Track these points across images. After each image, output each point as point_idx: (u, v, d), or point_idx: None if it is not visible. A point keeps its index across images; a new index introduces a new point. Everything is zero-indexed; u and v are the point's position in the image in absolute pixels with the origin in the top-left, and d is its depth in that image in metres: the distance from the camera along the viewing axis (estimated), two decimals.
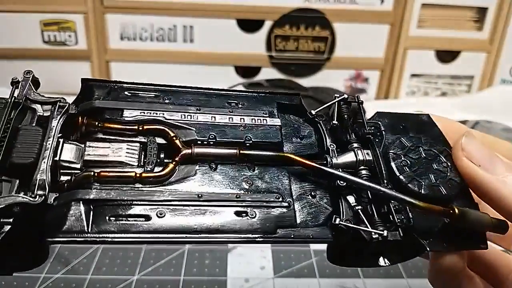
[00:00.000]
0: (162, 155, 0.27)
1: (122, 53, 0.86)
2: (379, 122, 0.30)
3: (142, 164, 0.26)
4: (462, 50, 0.93)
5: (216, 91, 0.30)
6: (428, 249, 0.25)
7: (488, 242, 0.29)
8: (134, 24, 0.84)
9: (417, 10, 0.88)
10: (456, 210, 0.25)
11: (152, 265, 0.49)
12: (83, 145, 0.26)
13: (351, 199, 0.26)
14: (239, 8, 0.85)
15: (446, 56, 0.93)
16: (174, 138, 0.27)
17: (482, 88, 0.97)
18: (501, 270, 0.32)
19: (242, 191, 0.26)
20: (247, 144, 0.27)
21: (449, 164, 0.28)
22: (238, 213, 0.25)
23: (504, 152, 0.30)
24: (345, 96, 0.30)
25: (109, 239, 0.23)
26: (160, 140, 0.27)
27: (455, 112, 0.87)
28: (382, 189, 0.25)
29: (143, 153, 0.26)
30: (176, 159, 0.26)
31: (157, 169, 0.26)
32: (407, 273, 0.49)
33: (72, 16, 0.82)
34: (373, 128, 0.30)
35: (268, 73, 0.91)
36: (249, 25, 0.87)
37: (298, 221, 0.25)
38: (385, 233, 0.24)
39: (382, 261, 0.27)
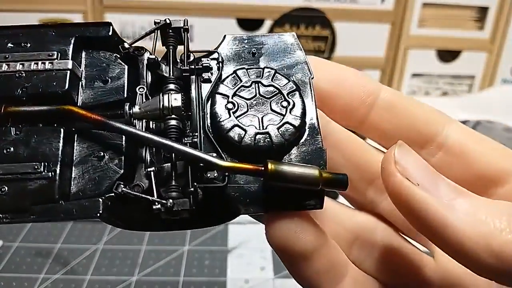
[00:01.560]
0: None
1: None
2: (218, 52, 0.24)
3: None
4: (463, 49, 0.92)
5: (2, 30, 0.23)
6: (242, 212, 0.21)
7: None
8: (133, 23, 0.84)
9: (417, 10, 0.88)
10: (270, 167, 0.20)
11: (152, 266, 0.49)
12: None
13: (149, 158, 0.22)
14: (239, 7, 0.84)
15: (447, 55, 0.93)
16: None
17: (483, 88, 0.96)
18: (410, 276, 0.27)
19: None
20: (23, 99, 0.22)
21: (290, 103, 0.23)
22: None
23: (423, 120, 0.25)
24: (167, 21, 0.24)
25: None
26: None
27: (456, 112, 0.86)
28: (171, 144, 0.20)
29: None
30: None
31: None
32: None
33: (71, 16, 0.82)
34: (208, 60, 0.24)
35: None
36: (249, 24, 0.86)
37: (75, 190, 0.21)
38: (169, 203, 0.20)
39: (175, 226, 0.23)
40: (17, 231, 0.53)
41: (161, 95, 0.22)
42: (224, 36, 0.25)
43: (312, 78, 0.24)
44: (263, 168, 0.20)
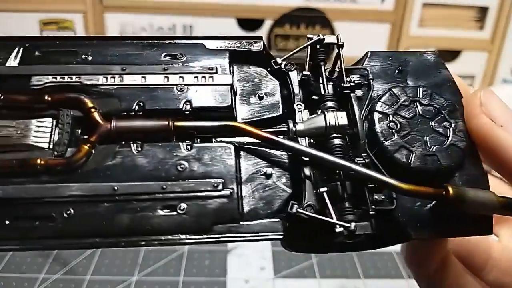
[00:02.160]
0: (79, 132, 0.21)
1: None
2: (366, 69, 0.24)
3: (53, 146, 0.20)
4: (463, 49, 0.92)
5: (150, 41, 0.23)
6: (413, 237, 0.21)
7: None
8: (133, 24, 0.84)
9: (418, 9, 0.88)
10: (451, 191, 0.19)
11: (152, 266, 0.49)
12: None
13: (317, 177, 0.21)
14: (239, 7, 0.84)
15: (447, 55, 0.93)
16: (92, 109, 0.21)
17: (483, 88, 0.96)
18: (479, 255, 0.28)
19: (172, 179, 0.20)
20: (186, 113, 0.21)
21: (453, 123, 0.22)
22: (164, 209, 0.20)
23: None
24: (321, 37, 0.23)
25: (5, 247, 0.19)
26: (78, 113, 0.21)
27: None
28: (351, 165, 0.20)
29: (58, 131, 0.21)
30: (92, 138, 0.20)
31: (71, 151, 0.20)
32: (408, 273, 0.49)
33: (71, 16, 0.82)
34: (358, 77, 0.23)
35: None
36: (249, 24, 0.86)
37: (247, 209, 0.20)
38: (352, 226, 0.19)
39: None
40: None
41: (325, 112, 0.22)
42: (367, 52, 0.25)
43: (462, 98, 0.24)
44: (444, 192, 0.20)
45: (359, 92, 0.23)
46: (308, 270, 0.50)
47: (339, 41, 0.24)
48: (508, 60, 0.94)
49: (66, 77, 0.21)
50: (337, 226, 0.19)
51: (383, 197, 0.20)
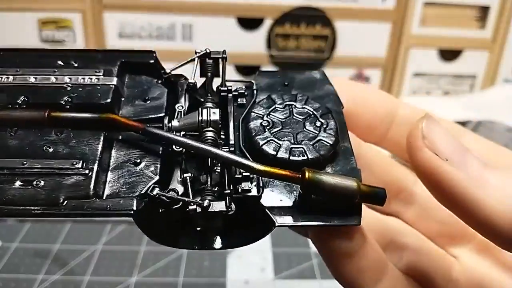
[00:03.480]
0: None
1: None
2: (252, 81, 0.26)
3: None
4: (465, 49, 0.92)
5: (50, 52, 0.26)
6: (276, 223, 0.20)
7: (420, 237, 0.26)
8: (132, 23, 0.84)
9: (419, 9, 0.88)
10: (307, 174, 0.19)
11: (151, 267, 0.49)
12: None
13: (186, 166, 0.22)
14: (239, 6, 0.84)
15: (449, 55, 0.92)
16: None
17: (484, 88, 0.96)
18: (440, 277, 0.27)
19: (35, 158, 0.22)
20: (67, 107, 0.23)
21: (324, 123, 0.23)
22: (22, 184, 0.21)
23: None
24: (207, 50, 0.26)
25: None
26: None
27: (457, 112, 0.86)
28: (211, 149, 0.21)
29: None
30: None
31: None
32: None
33: (70, 15, 0.82)
34: (243, 88, 0.26)
35: None
36: (249, 23, 0.86)
37: (109, 192, 0.21)
38: (205, 203, 0.20)
39: (217, 243, 0.23)
40: (16, 231, 0.53)
41: (200, 109, 0.24)
42: (258, 71, 0.27)
43: (343, 108, 0.25)
44: (300, 176, 0.20)
45: (242, 100, 0.25)
46: (308, 271, 0.50)
47: (223, 54, 0.26)
48: (509, 60, 0.94)
49: None
50: (191, 203, 0.20)
51: (250, 186, 0.21)
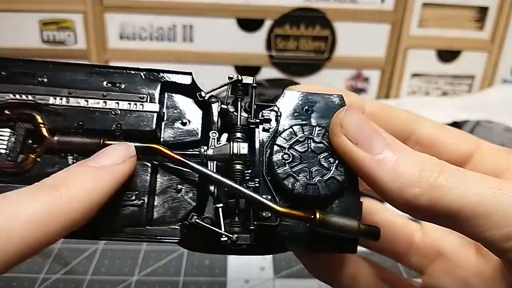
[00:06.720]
0: (31, 143, 0.25)
1: (121, 52, 0.85)
2: (278, 106, 0.28)
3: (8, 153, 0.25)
4: (463, 49, 0.93)
5: (96, 68, 0.28)
6: (289, 249, 0.26)
7: (387, 209, 0.30)
8: (133, 24, 0.84)
9: (418, 10, 0.88)
10: (317, 216, 0.24)
11: (152, 266, 0.49)
12: None
13: (220, 195, 0.26)
14: (239, 7, 0.84)
15: (447, 55, 0.93)
16: (41, 125, 0.25)
17: (483, 88, 0.96)
18: (402, 242, 0.32)
19: None
20: (117, 133, 0.26)
21: (336, 159, 0.26)
22: None
23: (401, 123, 0.30)
24: (239, 77, 0.28)
25: None
26: (31, 126, 0.26)
27: (455, 112, 0.86)
28: (240, 188, 0.24)
29: (13, 140, 0.25)
30: (39, 149, 0.25)
31: (21, 158, 0.25)
32: (408, 273, 0.49)
33: (71, 16, 0.82)
34: (269, 112, 0.28)
35: (268, 73, 0.90)
36: (249, 24, 0.86)
37: (156, 216, 0.25)
38: (234, 237, 0.24)
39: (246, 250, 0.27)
40: None
41: (231, 142, 0.26)
42: (283, 92, 0.29)
43: None
44: (312, 217, 0.24)
45: (267, 126, 0.28)
46: None
47: (254, 82, 0.28)
48: (508, 60, 0.94)
49: (23, 95, 0.26)
50: (223, 236, 0.24)
51: (270, 214, 0.25)
